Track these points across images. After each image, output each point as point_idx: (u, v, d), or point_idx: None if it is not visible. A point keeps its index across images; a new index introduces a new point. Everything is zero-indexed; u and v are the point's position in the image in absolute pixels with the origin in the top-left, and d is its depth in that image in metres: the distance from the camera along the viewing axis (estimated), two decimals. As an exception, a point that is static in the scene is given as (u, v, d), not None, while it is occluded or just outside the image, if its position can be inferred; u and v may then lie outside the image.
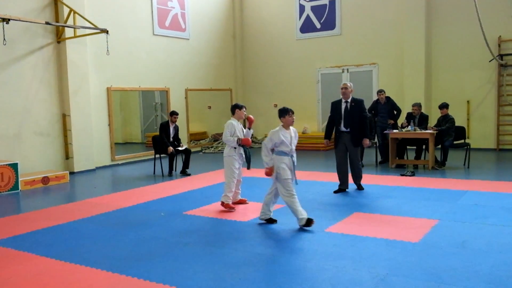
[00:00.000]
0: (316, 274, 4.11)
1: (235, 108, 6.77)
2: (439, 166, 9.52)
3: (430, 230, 5.29)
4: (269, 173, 5.64)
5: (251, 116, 6.88)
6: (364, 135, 7.37)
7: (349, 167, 7.57)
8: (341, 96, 7.49)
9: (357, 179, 7.63)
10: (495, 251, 4.52)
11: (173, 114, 10.05)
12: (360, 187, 7.64)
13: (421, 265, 4.23)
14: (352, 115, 7.35)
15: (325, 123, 14.16)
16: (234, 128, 6.59)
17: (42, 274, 4.34)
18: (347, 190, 7.58)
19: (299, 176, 9.06)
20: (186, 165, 9.96)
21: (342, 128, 7.43)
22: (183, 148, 9.98)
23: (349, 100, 7.40)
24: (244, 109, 6.80)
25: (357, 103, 7.40)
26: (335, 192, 7.50)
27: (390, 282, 3.87)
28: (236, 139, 6.55)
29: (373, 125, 10.21)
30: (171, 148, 9.66)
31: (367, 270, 4.15)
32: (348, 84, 7.43)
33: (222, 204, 6.62)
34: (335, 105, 7.58)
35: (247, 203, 6.88)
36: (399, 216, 5.92)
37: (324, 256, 4.56)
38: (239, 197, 6.87)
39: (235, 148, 6.60)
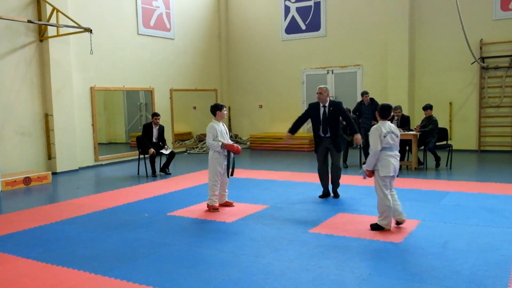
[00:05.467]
0: (299, 274, 4.13)
1: (215, 110, 6.54)
2: (436, 166, 9.78)
3: (413, 230, 5.35)
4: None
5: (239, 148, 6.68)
6: (354, 131, 7.13)
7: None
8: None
9: (335, 185, 7.25)
10: (476, 251, 4.59)
11: (154, 115, 10.00)
12: (336, 194, 7.23)
13: (403, 265, 4.28)
14: (330, 120, 6.97)
15: (310, 124, 14.34)
16: (216, 131, 6.41)
17: (23, 276, 4.28)
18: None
19: (283, 177, 9.14)
20: (167, 164, 9.93)
21: (321, 134, 7.09)
22: (168, 151, 9.91)
23: (326, 104, 7.00)
24: (225, 109, 6.61)
25: (335, 106, 7.00)
26: (320, 197, 7.25)
27: (373, 282, 3.91)
28: (220, 143, 6.40)
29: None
30: (152, 150, 9.59)
31: (350, 271, 4.18)
32: (324, 88, 7.00)
33: (208, 206, 6.60)
34: (313, 108, 7.17)
35: (234, 206, 6.77)
36: (382, 217, 5.97)
37: (308, 256, 4.58)
38: (226, 199, 6.78)
39: (218, 152, 6.48)
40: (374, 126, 5.50)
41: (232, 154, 6.57)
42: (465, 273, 4.04)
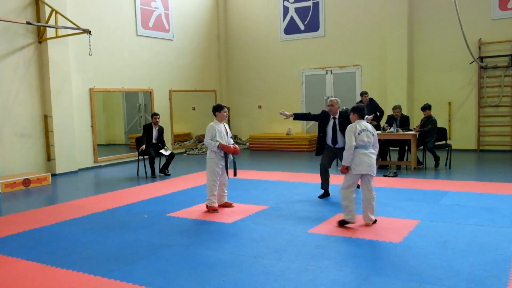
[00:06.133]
0: (299, 274, 4.13)
1: (215, 110, 6.57)
2: (435, 166, 9.79)
3: (412, 230, 5.35)
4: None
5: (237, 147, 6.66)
6: None
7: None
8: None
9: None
10: (476, 251, 4.60)
11: (154, 115, 10.03)
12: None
13: (402, 265, 4.29)
14: (342, 132, 6.95)
15: (309, 124, 14.46)
16: (215, 131, 6.42)
17: (23, 278, 4.28)
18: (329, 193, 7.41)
19: (282, 177, 9.14)
20: (166, 165, 9.95)
21: (330, 144, 7.22)
22: (168, 152, 9.92)
23: (337, 116, 7.14)
24: (225, 110, 6.62)
25: (345, 117, 6.97)
26: (320, 197, 7.27)
27: (372, 282, 3.91)
28: (217, 144, 6.39)
29: None
30: (143, 146, 9.65)
31: (350, 271, 4.19)
32: (335, 101, 7.14)
33: (207, 207, 6.60)
34: (324, 116, 7.28)
35: (233, 207, 6.76)
36: (382, 217, 5.97)
37: (307, 257, 4.59)
38: (225, 200, 6.78)
39: (215, 152, 6.49)
40: (350, 124, 5.68)
41: (230, 155, 6.58)
42: (465, 273, 4.04)
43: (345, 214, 5.62)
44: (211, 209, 6.53)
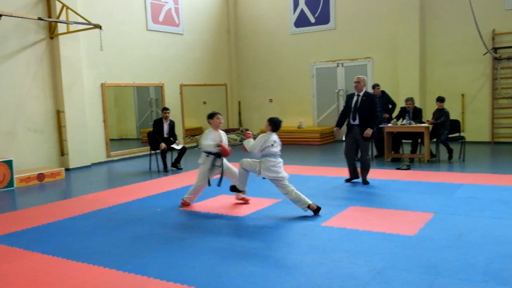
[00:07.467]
0: (312, 268, 4.12)
1: (209, 118, 6.54)
2: (449, 158, 9.72)
3: (426, 223, 5.31)
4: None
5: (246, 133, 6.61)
6: (368, 126, 7.45)
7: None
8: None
9: (363, 172, 7.69)
10: (491, 244, 4.55)
11: (164, 109, 10.06)
12: (365, 181, 7.65)
13: (417, 258, 4.25)
14: (361, 109, 7.45)
15: (321, 117, 14.42)
16: (213, 136, 6.40)
17: (38, 271, 4.33)
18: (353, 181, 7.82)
19: (294, 171, 9.11)
20: (178, 159, 9.97)
21: (351, 121, 7.58)
22: (180, 147, 9.94)
23: (361, 94, 7.51)
24: (218, 116, 6.52)
25: (369, 98, 7.50)
26: (347, 181, 7.81)
27: (386, 276, 3.89)
28: (215, 144, 6.32)
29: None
30: (163, 145, 9.62)
31: (364, 264, 4.17)
32: (362, 78, 7.54)
33: (182, 201, 6.65)
34: (348, 98, 7.75)
35: (249, 203, 6.64)
36: (395, 210, 5.94)
37: (321, 250, 4.57)
38: (244, 195, 6.66)
39: (207, 156, 6.39)
40: (262, 134, 6.05)
41: (223, 159, 6.50)
42: (480, 266, 4.00)
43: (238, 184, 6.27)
44: (183, 204, 6.59)
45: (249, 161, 6.08)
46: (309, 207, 5.85)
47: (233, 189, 6.35)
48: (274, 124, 6.10)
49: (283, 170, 6.00)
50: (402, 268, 4.03)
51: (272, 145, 5.92)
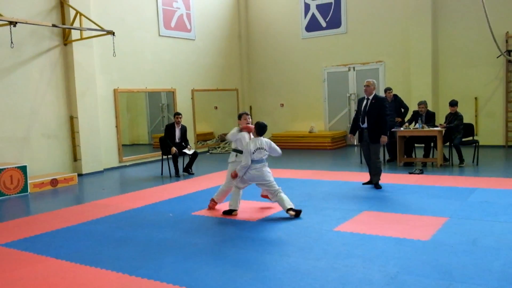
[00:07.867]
0: (326, 273, 4.09)
1: (238, 118, 6.60)
2: (460, 163, 9.53)
3: (440, 228, 5.26)
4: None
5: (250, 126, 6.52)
6: (382, 132, 7.45)
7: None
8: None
9: (374, 176, 7.68)
10: (506, 248, 4.48)
11: (176, 115, 10.11)
12: (377, 186, 7.63)
13: (431, 263, 4.21)
14: (370, 112, 7.49)
15: (332, 122, 14.39)
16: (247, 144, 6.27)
17: (52, 276, 4.35)
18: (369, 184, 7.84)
19: (306, 175, 9.10)
20: (190, 164, 10.00)
21: (361, 124, 7.64)
22: (191, 152, 9.97)
23: (370, 97, 7.55)
24: (245, 117, 6.51)
25: (378, 101, 7.52)
26: (364, 184, 7.83)
27: (401, 281, 3.85)
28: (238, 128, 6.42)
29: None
30: (174, 149, 9.67)
31: (378, 269, 4.13)
32: (371, 81, 7.58)
33: (211, 200, 6.69)
34: (359, 102, 7.83)
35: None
36: (409, 214, 5.89)
37: (334, 255, 4.54)
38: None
39: (236, 156, 6.42)
40: (247, 142, 6.12)
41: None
42: (496, 271, 3.95)
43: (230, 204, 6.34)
44: (211, 205, 6.67)
45: (237, 179, 6.23)
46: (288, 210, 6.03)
47: (227, 212, 6.33)
48: (258, 128, 6.13)
49: (267, 174, 6.11)
50: (416, 273, 3.99)
51: (253, 152, 5.99)
